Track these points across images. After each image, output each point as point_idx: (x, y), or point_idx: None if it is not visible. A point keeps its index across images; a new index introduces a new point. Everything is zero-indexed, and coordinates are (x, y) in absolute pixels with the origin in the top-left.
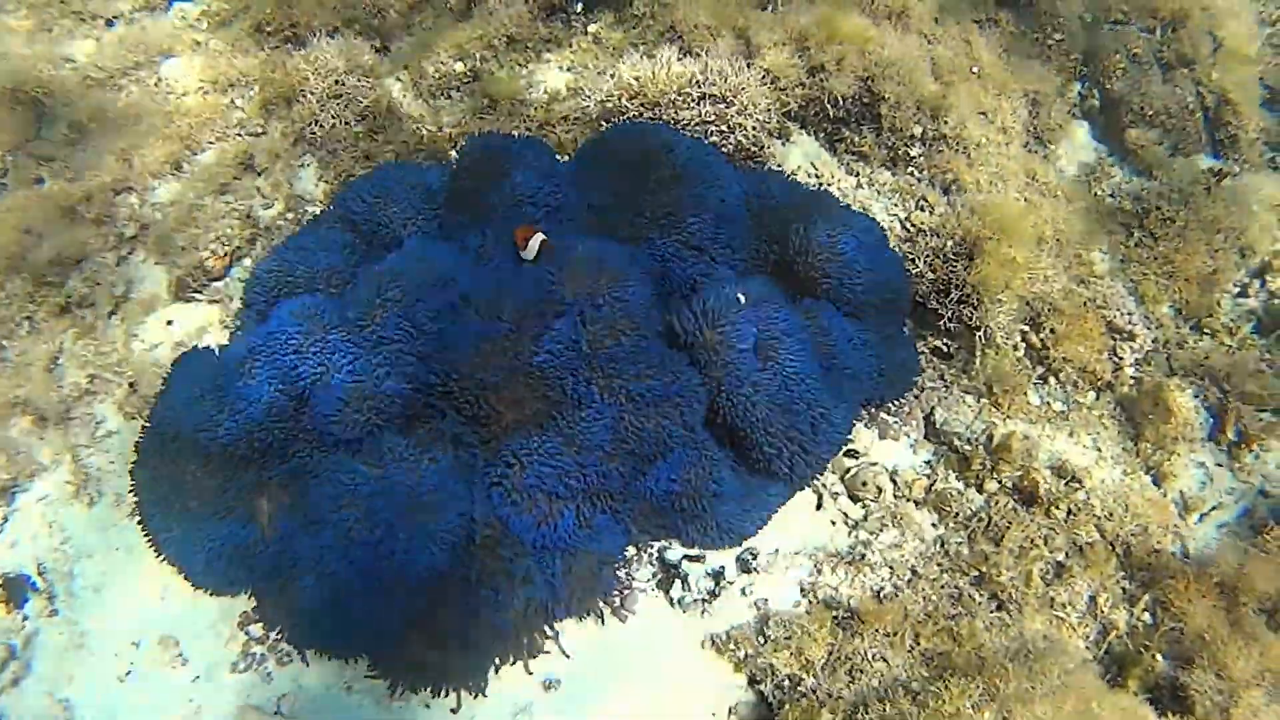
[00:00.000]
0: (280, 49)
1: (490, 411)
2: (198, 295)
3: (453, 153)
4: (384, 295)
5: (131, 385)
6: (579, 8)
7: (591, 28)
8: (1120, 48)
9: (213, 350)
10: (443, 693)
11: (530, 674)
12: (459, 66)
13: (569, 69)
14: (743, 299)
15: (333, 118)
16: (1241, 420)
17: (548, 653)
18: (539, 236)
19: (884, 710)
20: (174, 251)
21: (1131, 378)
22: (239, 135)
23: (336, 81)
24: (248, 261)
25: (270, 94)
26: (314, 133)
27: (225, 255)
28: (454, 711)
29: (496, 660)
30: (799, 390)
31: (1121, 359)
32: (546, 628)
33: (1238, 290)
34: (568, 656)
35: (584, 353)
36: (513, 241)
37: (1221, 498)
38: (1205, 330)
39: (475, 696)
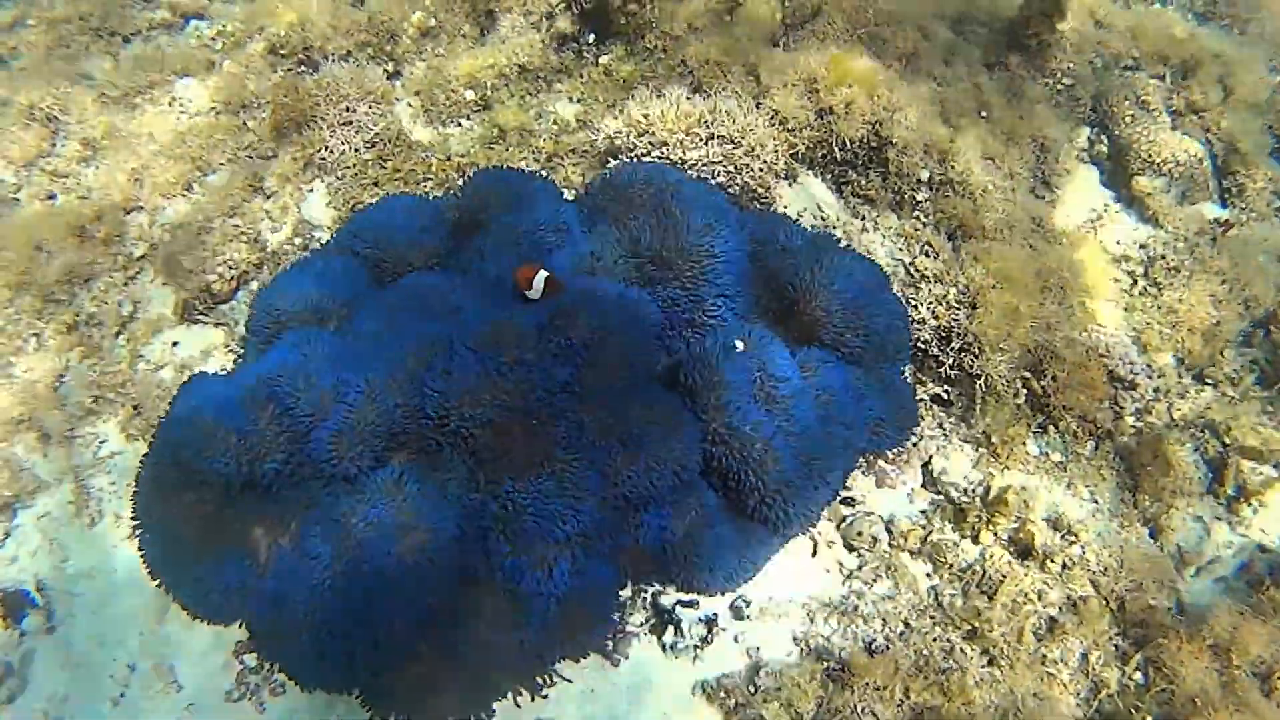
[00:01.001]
0: (293, 72)
1: (485, 450)
2: (204, 318)
3: (460, 182)
4: (385, 328)
5: (135, 408)
6: (591, 38)
7: (603, 59)
8: (1130, 94)
9: (216, 377)
10: None
11: (522, 718)
12: (470, 95)
13: (579, 100)
14: (741, 345)
15: (343, 144)
16: (1241, 475)
17: (544, 696)
18: (544, 274)
19: None
20: (181, 273)
21: (1132, 427)
22: (249, 158)
23: (347, 108)
24: (254, 285)
25: (282, 117)
26: (324, 158)
27: (232, 278)
28: None
29: (487, 700)
30: (795, 438)
31: (1122, 408)
32: (540, 670)
33: (1241, 340)
34: (567, 680)
35: (580, 394)
36: (515, 279)
37: (1218, 552)
38: (1208, 380)
39: None
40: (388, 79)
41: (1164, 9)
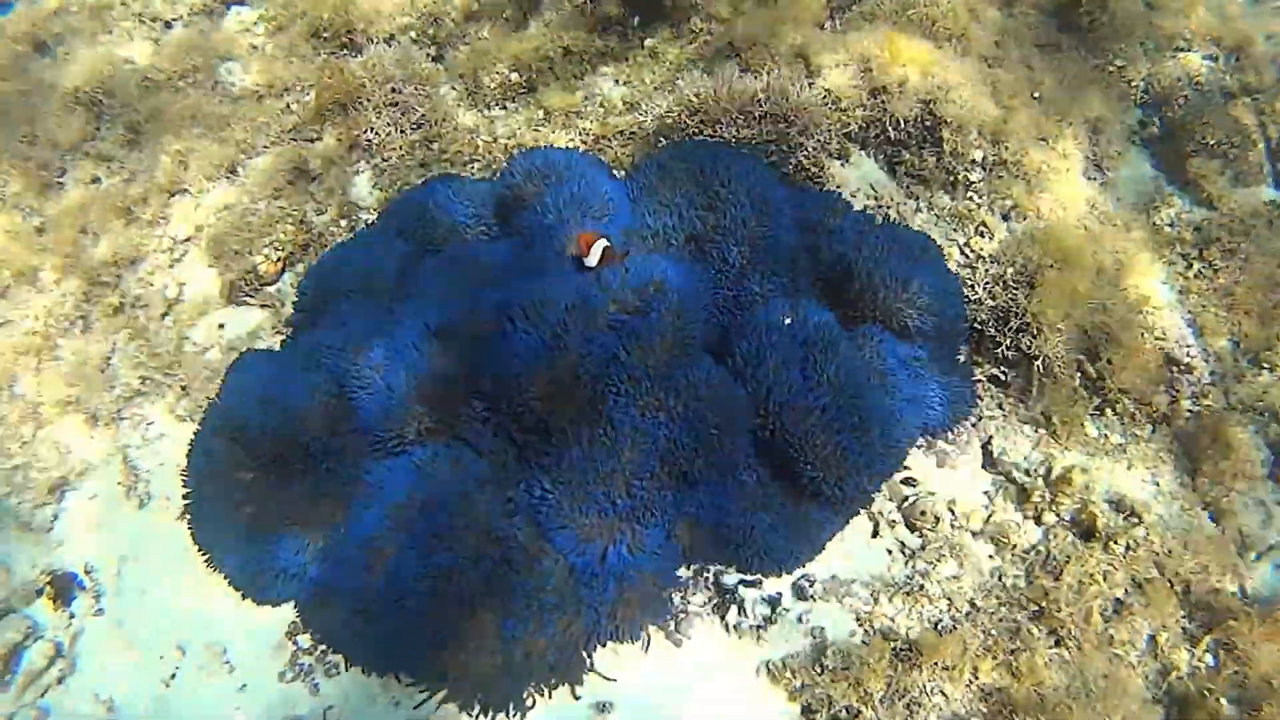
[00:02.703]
0: (336, 55)
1: (538, 424)
2: (249, 299)
3: (506, 163)
4: (435, 302)
5: (183, 388)
6: (635, 21)
7: (648, 42)
8: (1183, 75)
9: (267, 353)
10: (488, 713)
11: (577, 698)
12: (515, 77)
13: (625, 82)
14: (789, 319)
15: (389, 125)
16: None
17: (612, 679)
18: (602, 243)
19: None
20: (227, 255)
21: (1189, 411)
22: (293, 140)
23: (393, 89)
24: (300, 267)
25: (326, 100)
26: (369, 140)
27: (279, 260)
28: None
29: (542, 682)
30: (849, 413)
31: (1179, 392)
32: (593, 651)
33: None
34: (611, 680)
35: (631, 367)
36: (575, 248)
37: None
38: (1264, 365)
39: (520, 716)
40: (432, 61)
41: None
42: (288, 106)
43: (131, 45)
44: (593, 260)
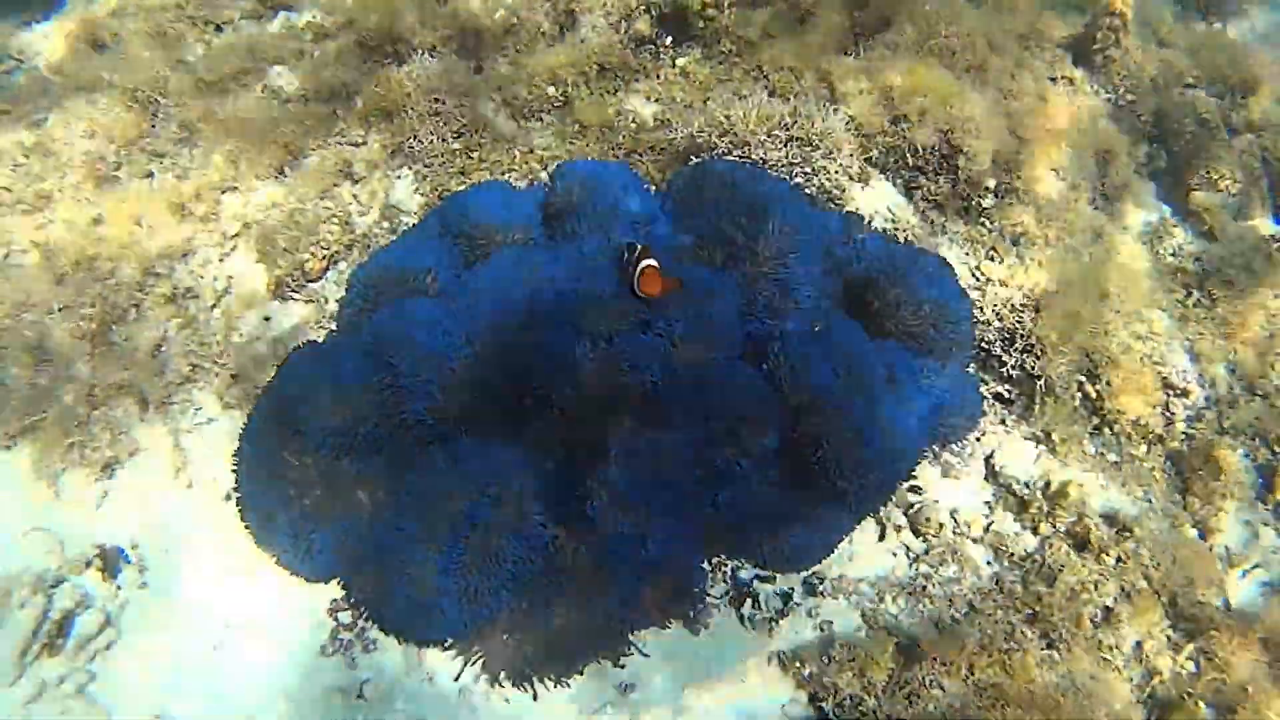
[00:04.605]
0: (381, 64)
1: (581, 420)
2: (295, 295)
3: (543, 174)
4: (483, 299)
5: (234, 376)
6: (667, 41)
7: (680, 61)
8: (1189, 111)
9: (321, 344)
10: (524, 686)
11: (621, 666)
12: (551, 91)
13: (656, 100)
14: (817, 328)
15: (431, 133)
16: None
17: (629, 654)
18: (654, 270)
19: None
20: (275, 252)
21: (1183, 433)
22: (339, 144)
23: (436, 99)
24: (343, 265)
25: (371, 107)
26: (412, 147)
27: (324, 258)
28: (535, 699)
29: (576, 662)
30: (868, 418)
31: (1174, 414)
32: (625, 637)
33: None
34: (646, 656)
35: (671, 369)
36: (632, 277)
37: (1265, 557)
38: (1258, 393)
39: (556, 685)
40: (473, 74)
41: (1223, 30)
42: (334, 111)
43: (184, 49)
44: (648, 288)
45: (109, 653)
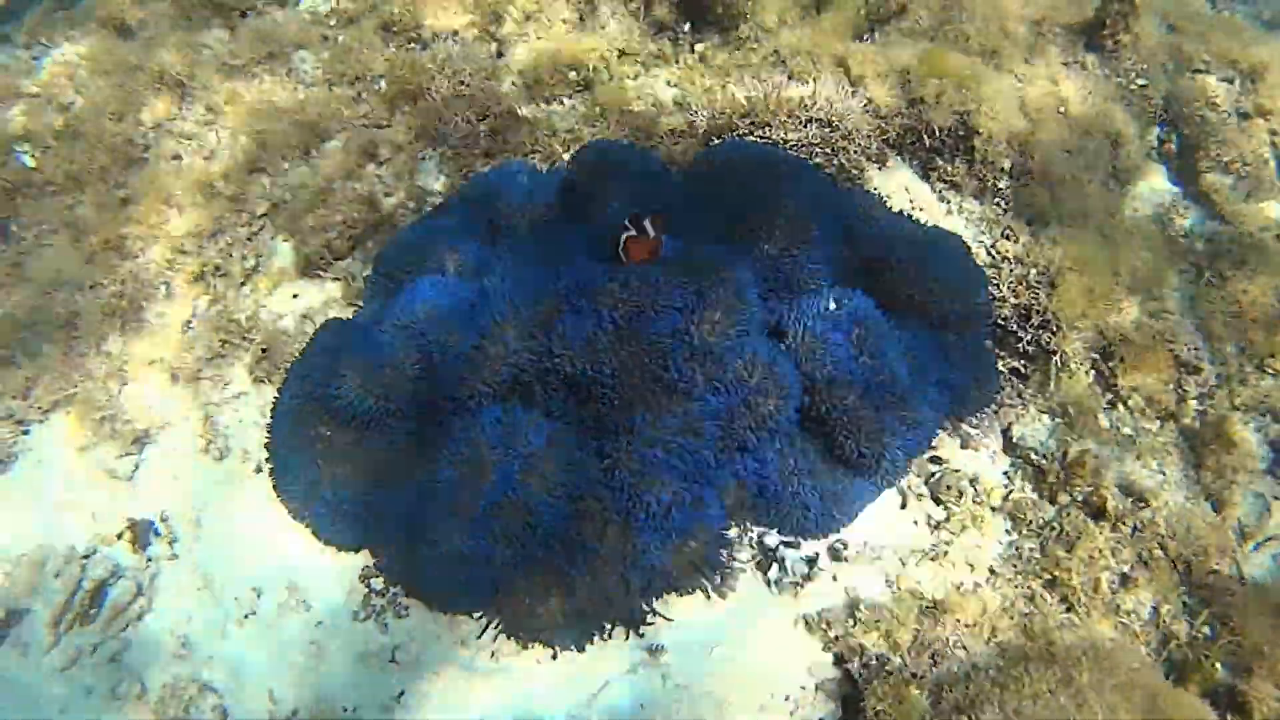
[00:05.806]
0: (405, 48)
1: (606, 391)
2: (322, 273)
3: (565, 156)
4: (510, 274)
5: (264, 350)
6: (686, 27)
7: (698, 47)
8: (1200, 96)
9: (350, 321)
10: (551, 650)
11: (642, 635)
12: (572, 75)
13: (675, 85)
14: (834, 305)
15: (455, 115)
16: None
17: (652, 623)
18: (640, 235)
19: (966, 689)
20: (303, 230)
21: (1195, 410)
22: (364, 126)
23: (460, 82)
24: (370, 244)
25: (396, 90)
26: (437, 129)
27: (350, 237)
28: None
29: (605, 625)
30: (889, 391)
31: (1186, 391)
32: (653, 600)
33: None
34: (670, 621)
35: (693, 344)
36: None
37: (1278, 530)
38: (1268, 370)
39: (581, 649)
40: (496, 57)
41: (1233, 15)
42: (359, 95)
43: (209, 33)
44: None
45: (141, 622)
